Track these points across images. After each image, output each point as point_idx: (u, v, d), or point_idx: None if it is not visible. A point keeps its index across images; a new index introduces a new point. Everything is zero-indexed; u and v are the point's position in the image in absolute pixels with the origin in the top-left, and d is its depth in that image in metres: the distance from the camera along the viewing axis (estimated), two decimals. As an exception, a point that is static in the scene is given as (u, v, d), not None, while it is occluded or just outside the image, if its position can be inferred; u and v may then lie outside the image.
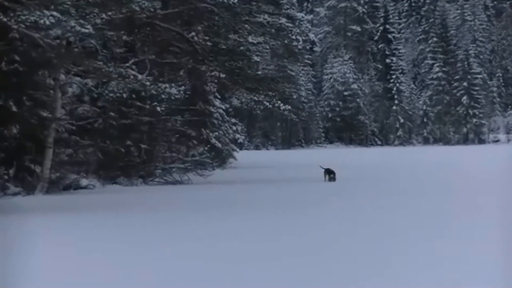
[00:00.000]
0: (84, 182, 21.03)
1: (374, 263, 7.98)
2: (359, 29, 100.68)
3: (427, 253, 8.51)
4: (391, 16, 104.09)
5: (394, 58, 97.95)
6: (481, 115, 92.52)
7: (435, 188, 19.84)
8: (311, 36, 65.41)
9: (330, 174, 22.36)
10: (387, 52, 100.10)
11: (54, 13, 16.44)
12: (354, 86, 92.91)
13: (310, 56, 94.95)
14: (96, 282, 7.18)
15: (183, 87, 25.70)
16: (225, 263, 8.07)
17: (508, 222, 10.77)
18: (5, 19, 17.04)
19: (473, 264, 7.73)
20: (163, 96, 24.20)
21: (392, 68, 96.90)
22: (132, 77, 20.67)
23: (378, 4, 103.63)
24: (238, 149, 41.33)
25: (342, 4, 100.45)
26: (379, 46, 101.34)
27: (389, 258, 8.20)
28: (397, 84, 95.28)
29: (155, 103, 24.53)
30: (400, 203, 15.54)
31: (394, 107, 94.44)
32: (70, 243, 9.89)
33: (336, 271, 7.55)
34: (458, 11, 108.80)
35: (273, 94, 29.79)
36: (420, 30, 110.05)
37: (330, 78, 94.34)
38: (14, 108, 19.07)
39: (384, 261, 8.06)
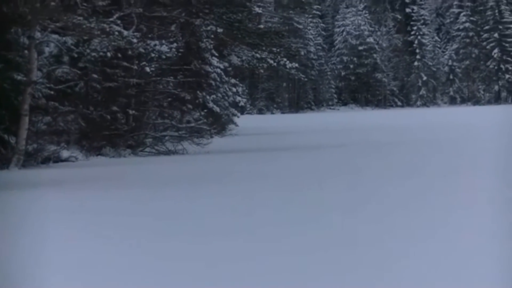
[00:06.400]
0: (65, 154, 21.00)
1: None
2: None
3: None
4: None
5: (415, 7, 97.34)
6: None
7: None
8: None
9: None
10: (407, 0, 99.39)
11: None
12: (370, 39, 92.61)
13: (319, 6, 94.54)
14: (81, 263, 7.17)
15: (175, 44, 25.60)
16: (220, 239, 8.07)
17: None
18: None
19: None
20: (152, 55, 24.16)
21: (413, 18, 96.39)
22: (117, 33, 20.56)
23: None
24: (239, 114, 41.24)
25: None
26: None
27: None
28: (419, 37, 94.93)
29: (144, 63, 24.45)
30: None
31: (415, 63, 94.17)
32: (53, 223, 9.87)
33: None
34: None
35: (278, 50, 29.76)
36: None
37: (343, 31, 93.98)
38: (-17, 71, 19.00)
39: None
